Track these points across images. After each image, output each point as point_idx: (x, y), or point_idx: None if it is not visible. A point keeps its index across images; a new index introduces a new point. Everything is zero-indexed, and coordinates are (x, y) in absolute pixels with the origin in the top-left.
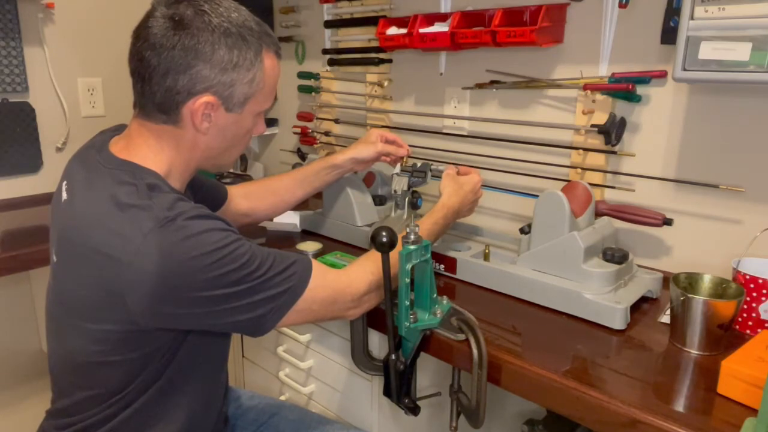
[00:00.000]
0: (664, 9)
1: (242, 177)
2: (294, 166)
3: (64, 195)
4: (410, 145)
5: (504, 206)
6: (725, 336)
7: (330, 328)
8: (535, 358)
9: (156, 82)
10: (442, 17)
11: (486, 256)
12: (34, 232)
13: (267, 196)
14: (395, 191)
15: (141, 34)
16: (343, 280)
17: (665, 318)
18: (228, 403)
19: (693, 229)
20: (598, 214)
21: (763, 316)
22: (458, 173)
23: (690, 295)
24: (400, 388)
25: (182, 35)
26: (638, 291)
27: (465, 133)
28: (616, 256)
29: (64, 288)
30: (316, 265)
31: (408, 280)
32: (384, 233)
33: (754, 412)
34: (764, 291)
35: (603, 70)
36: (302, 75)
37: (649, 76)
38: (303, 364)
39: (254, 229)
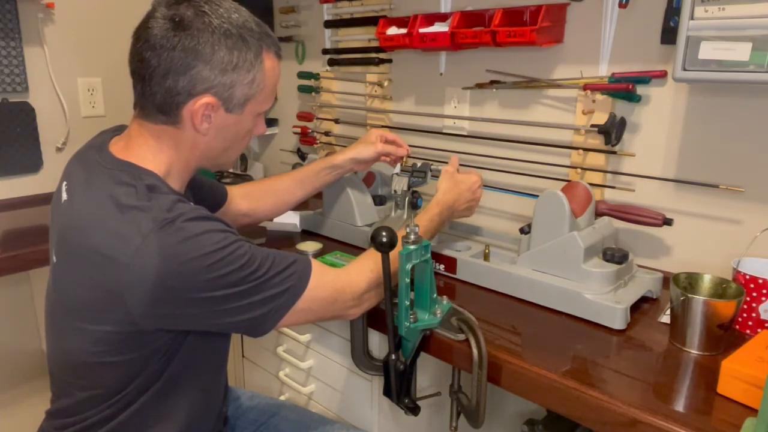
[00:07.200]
0: (664, 9)
1: (242, 177)
2: (294, 166)
3: (64, 195)
4: (410, 145)
5: (504, 206)
6: (725, 336)
7: (330, 328)
8: (535, 358)
9: (156, 82)
10: (442, 17)
11: (486, 256)
12: (34, 232)
13: (267, 197)
14: (395, 191)
15: (141, 34)
16: (343, 279)
17: (665, 318)
18: (228, 403)
19: (693, 229)
20: (598, 214)
21: (763, 316)
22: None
23: (690, 295)
24: (400, 388)
25: (182, 36)
26: (638, 291)
27: (465, 133)
28: (616, 256)
29: (63, 288)
30: (316, 265)
31: (408, 280)
32: (384, 233)
33: (754, 412)
34: (764, 291)
35: (603, 70)
36: (302, 75)
37: (649, 76)
38: (303, 364)
39: (254, 230)
